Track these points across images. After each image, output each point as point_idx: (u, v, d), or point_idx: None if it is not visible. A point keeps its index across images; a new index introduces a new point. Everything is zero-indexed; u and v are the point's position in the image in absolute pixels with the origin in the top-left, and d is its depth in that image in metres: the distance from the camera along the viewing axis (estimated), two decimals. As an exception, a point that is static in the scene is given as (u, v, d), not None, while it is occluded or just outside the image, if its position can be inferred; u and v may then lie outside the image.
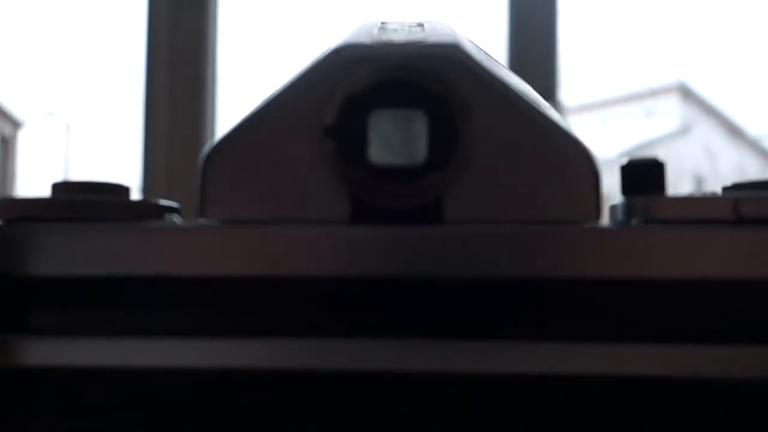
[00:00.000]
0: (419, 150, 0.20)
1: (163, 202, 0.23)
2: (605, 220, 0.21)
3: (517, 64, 0.86)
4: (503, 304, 0.19)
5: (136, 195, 0.24)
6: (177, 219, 0.22)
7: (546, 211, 0.20)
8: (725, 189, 0.21)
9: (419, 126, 0.20)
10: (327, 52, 0.21)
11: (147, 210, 0.22)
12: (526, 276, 0.19)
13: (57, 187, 0.23)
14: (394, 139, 0.20)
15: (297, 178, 0.20)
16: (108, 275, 0.21)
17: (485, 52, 0.23)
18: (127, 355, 0.20)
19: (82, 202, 0.21)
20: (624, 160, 0.22)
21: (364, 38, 0.21)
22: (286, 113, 0.21)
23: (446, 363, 0.19)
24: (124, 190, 0.23)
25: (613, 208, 0.22)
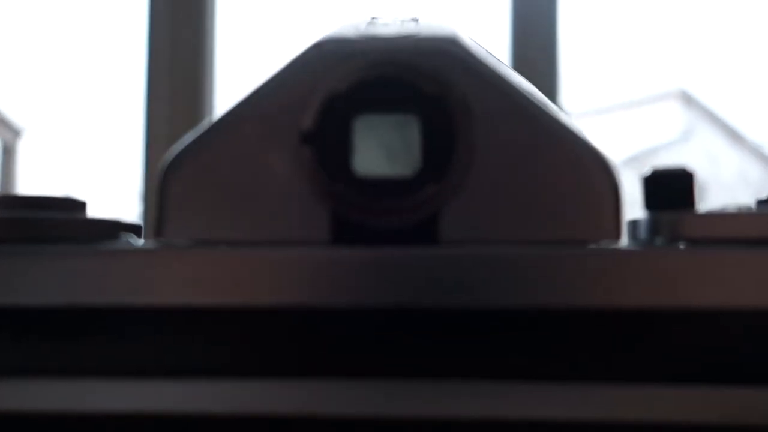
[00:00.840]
0: (412, 159, 0.18)
1: (123, 219, 0.20)
2: (625, 239, 0.19)
3: (518, 70, 0.84)
4: (511, 340, 0.17)
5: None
6: (135, 239, 0.20)
7: (559, 230, 0.18)
8: (760, 202, 0.19)
9: (412, 131, 0.18)
10: (307, 48, 0.19)
11: (102, 229, 0.19)
12: (538, 307, 0.17)
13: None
14: (383, 147, 0.18)
15: (270, 193, 0.18)
16: (55, 305, 0.18)
17: (485, 49, 0.20)
18: (80, 399, 0.18)
19: (27, 220, 0.19)
20: (648, 170, 0.19)
21: (350, 32, 0.19)
22: (258, 117, 0.19)
23: (445, 408, 0.17)
24: (78, 206, 0.20)
25: (633, 224, 0.20)
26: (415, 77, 0.18)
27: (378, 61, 0.18)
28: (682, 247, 0.18)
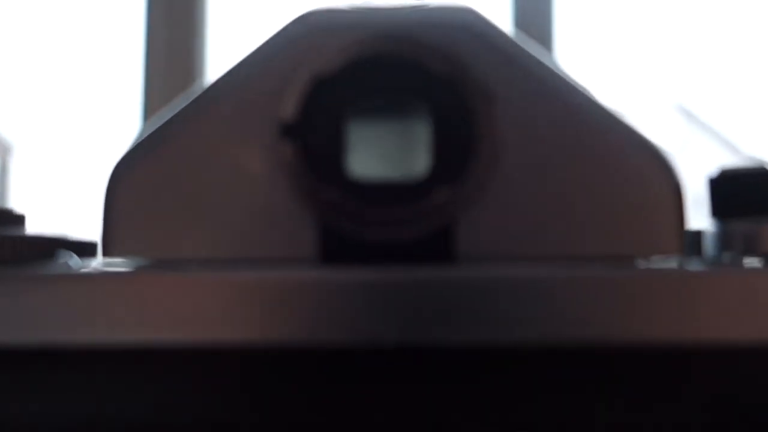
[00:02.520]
0: (419, 158, 0.16)
1: (63, 235, 0.18)
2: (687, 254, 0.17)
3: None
4: (547, 383, 0.15)
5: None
6: (76, 260, 0.18)
7: (605, 243, 0.16)
8: None
9: (419, 123, 0.16)
10: (290, 21, 0.17)
11: (33, 248, 0.17)
12: (580, 341, 0.15)
13: None
14: (383, 143, 0.16)
15: (242, 200, 0.16)
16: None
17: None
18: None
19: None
20: (715, 169, 0.16)
21: (342, 2, 0.18)
22: (229, 106, 0.16)
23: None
24: (12, 220, 0.17)
25: (696, 236, 0.18)
26: (423, 55, 0.16)
27: (376, 36, 0.16)
28: (760, 265, 0.15)
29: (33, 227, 0.18)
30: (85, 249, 0.18)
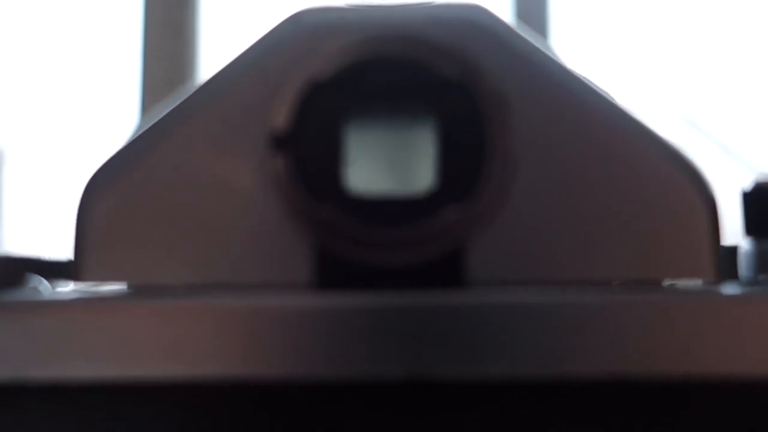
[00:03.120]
0: (424, 172, 0.15)
1: (36, 255, 0.17)
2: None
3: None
4: (573, 422, 0.14)
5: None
6: (44, 285, 0.17)
7: (633, 267, 0.15)
8: None
9: (424, 133, 0.15)
10: (281, 21, 0.16)
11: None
12: (609, 377, 0.14)
13: None
14: (385, 155, 0.15)
15: (229, 218, 0.15)
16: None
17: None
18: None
19: None
20: (749, 183, 0.16)
21: (339, 0, 0.17)
22: (215, 115, 0.15)
23: None
24: None
25: (729, 256, 0.16)
26: (429, 57, 0.15)
27: (376, 36, 0.15)
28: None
29: (13, 242, 0.17)
30: (59, 270, 0.17)
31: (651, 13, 0.71)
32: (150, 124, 0.15)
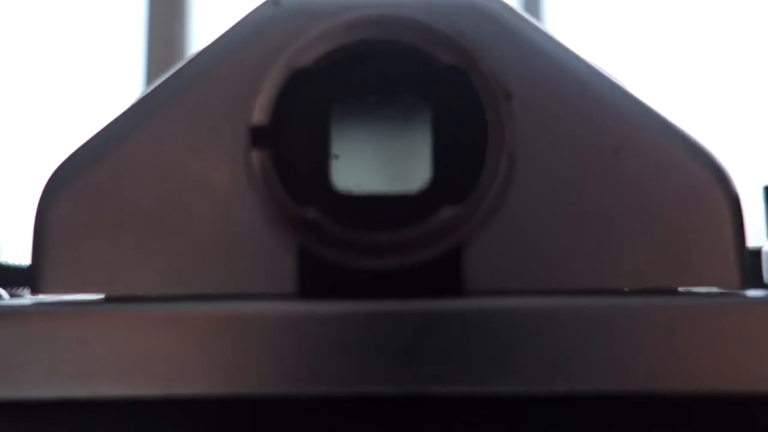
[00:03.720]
0: (418, 169, 0.14)
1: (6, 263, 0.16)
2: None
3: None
4: None
5: None
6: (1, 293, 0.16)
7: (649, 273, 0.14)
8: None
9: (418, 126, 0.14)
10: (260, 5, 0.15)
11: None
12: (619, 391, 0.13)
13: None
14: (374, 151, 0.15)
15: (204, 221, 0.14)
16: None
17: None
18: None
19: None
20: None
21: None
22: (188, 107, 0.14)
23: None
24: None
25: (753, 259, 0.15)
26: (424, 41, 0.14)
27: (365, 18, 0.14)
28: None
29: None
30: (23, 277, 0.16)
31: (650, 13, 0.71)
32: (117, 115, 0.14)
